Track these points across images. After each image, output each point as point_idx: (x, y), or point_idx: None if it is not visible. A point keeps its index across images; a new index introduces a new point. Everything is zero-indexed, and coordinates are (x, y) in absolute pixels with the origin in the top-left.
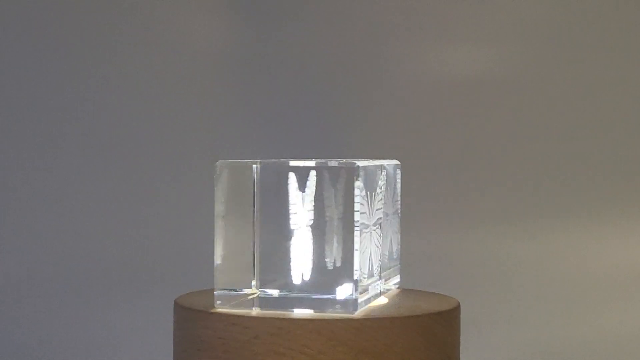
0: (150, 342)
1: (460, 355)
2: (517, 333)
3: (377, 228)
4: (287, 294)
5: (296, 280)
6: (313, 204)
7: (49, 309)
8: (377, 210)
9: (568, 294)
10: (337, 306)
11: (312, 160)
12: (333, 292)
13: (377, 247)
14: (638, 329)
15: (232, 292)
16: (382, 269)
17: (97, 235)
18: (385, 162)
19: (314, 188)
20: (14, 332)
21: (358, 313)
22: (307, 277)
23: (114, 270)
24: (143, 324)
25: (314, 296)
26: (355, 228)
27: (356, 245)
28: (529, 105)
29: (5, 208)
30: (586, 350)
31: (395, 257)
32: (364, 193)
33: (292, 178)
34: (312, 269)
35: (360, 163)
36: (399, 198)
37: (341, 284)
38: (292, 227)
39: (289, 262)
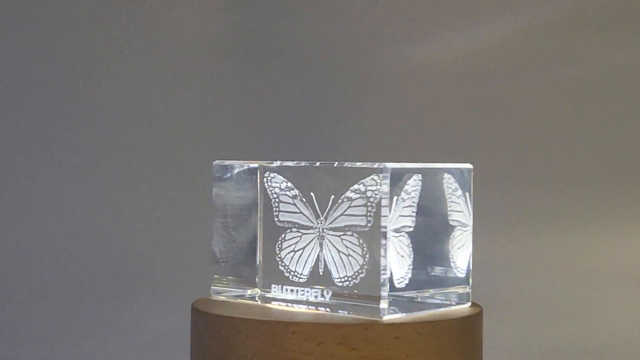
0: (163, 345)
1: None
2: (519, 333)
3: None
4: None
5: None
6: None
7: (56, 311)
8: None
9: (569, 294)
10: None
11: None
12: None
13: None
14: None
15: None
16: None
17: (97, 238)
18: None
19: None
20: (14, 333)
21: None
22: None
23: (122, 273)
24: (157, 327)
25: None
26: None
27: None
28: (529, 104)
29: (11, 207)
30: (587, 350)
31: (452, 268)
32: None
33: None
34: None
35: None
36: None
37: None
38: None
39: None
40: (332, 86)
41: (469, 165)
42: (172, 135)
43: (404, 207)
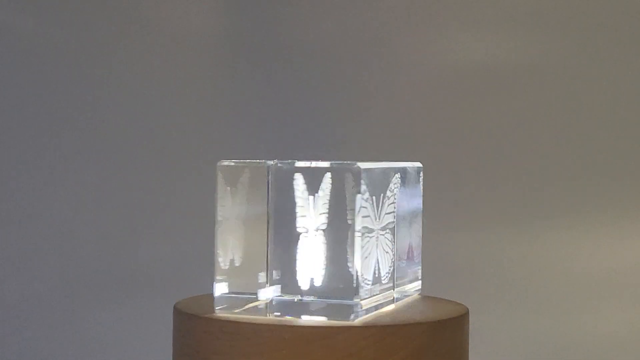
0: (148, 347)
1: None
2: (516, 334)
3: (386, 232)
4: (293, 298)
5: (304, 285)
6: (324, 207)
7: (46, 313)
8: (386, 214)
9: (566, 295)
10: (343, 313)
11: (318, 161)
12: (339, 297)
13: (387, 252)
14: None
15: (236, 296)
16: (396, 275)
17: (95, 238)
18: (406, 165)
19: (326, 190)
20: (13, 333)
21: (360, 320)
22: (317, 283)
23: (112, 274)
24: (141, 329)
25: (321, 302)
26: (357, 233)
27: (357, 251)
28: (528, 104)
29: (5, 210)
30: (585, 350)
31: (415, 262)
32: (366, 196)
33: (300, 180)
34: (324, 274)
35: (364, 165)
36: (420, 201)
37: (343, 290)
38: (298, 230)
39: (296, 266)
40: (333, 85)
41: (418, 164)
42: (170, 135)
43: (388, 205)
